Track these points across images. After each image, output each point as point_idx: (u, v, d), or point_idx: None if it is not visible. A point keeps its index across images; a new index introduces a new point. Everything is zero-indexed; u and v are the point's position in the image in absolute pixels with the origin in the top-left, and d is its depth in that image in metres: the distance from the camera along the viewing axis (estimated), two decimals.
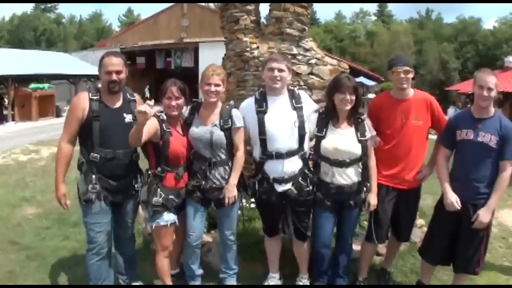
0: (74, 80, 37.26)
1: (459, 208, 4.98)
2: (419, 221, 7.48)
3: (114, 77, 4.87)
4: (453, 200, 5.00)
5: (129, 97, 5.16)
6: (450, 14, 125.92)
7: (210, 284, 5.83)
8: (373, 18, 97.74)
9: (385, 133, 5.30)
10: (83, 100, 4.88)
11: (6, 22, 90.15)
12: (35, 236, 7.75)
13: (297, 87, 5.71)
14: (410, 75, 5.23)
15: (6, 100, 30.29)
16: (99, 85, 5.05)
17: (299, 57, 6.91)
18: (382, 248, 6.23)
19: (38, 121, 29.71)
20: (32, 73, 31.35)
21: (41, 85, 31.64)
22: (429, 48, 66.52)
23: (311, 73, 6.94)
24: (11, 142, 18.88)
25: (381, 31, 76.60)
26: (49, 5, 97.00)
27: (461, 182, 5.08)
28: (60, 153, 4.94)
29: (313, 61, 6.98)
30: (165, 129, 4.94)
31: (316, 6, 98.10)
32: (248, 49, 7.00)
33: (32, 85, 30.88)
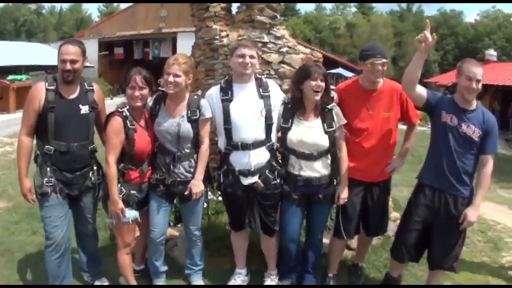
0: (52, 71, 36.77)
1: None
2: (393, 214, 7.38)
3: (68, 66, 4.66)
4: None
5: (87, 87, 4.94)
6: (431, 7, 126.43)
7: (175, 281, 5.68)
8: (354, 9, 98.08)
9: (352, 124, 5.11)
10: (40, 91, 4.69)
11: None
12: (4, 231, 7.56)
13: (265, 75, 5.51)
14: (386, 68, 5.01)
15: None
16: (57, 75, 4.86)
17: (270, 45, 6.70)
18: (354, 242, 6.08)
19: (16, 113, 29.32)
20: (10, 65, 31.06)
21: (18, 77, 31.26)
22: (409, 40, 66.10)
23: (282, 62, 6.73)
24: None
25: (361, 22, 76.30)
26: None
27: (440, 172, 4.90)
28: (21, 147, 4.77)
29: (284, 49, 6.78)
30: (129, 126, 4.72)
31: None
32: (217, 37, 6.79)
33: (10, 77, 30.50)
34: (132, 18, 43.10)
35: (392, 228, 6.78)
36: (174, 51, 39.59)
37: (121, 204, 4.76)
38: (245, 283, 5.59)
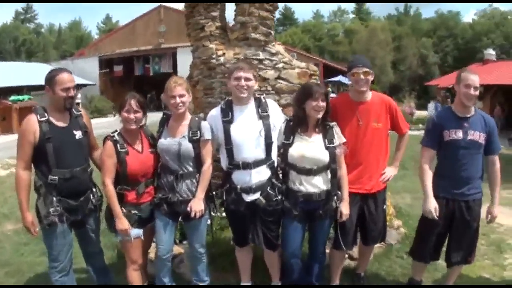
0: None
1: (437, 218, 5.13)
2: (396, 222, 7.45)
3: (71, 93, 4.86)
4: (432, 209, 5.13)
5: (75, 112, 5.11)
6: (428, 9, 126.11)
7: None
8: (351, 16, 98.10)
9: (344, 136, 5.21)
10: (33, 124, 4.79)
11: None
12: (14, 252, 7.77)
13: (264, 93, 5.65)
14: (370, 77, 5.20)
15: None
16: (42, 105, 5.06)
17: (266, 62, 6.84)
18: (356, 252, 6.15)
19: None
20: (11, 85, 31.18)
21: (21, 97, 31.41)
22: (408, 43, 66.25)
23: (278, 77, 6.87)
24: None
25: (359, 28, 75.80)
26: (28, 15, 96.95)
27: (453, 181, 5.22)
28: (20, 182, 4.85)
29: (280, 65, 6.92)
30: (119, 149, 4.92)
31: (294, 6, 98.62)
32: (214, 55, 6.92)
33: (12, 97, 30.65)
34: (131, 34, 43.45)
35: (395, 236, 6.91)
36: (174, 66, 40.06)
37: (126, 221, 4.93)
38: None
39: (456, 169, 5.18)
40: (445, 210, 5.23)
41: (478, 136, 5.08)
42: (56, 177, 4.81)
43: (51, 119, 4.86)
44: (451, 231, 5.36)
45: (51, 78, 4.87)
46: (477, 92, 5.03)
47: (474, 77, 5.03)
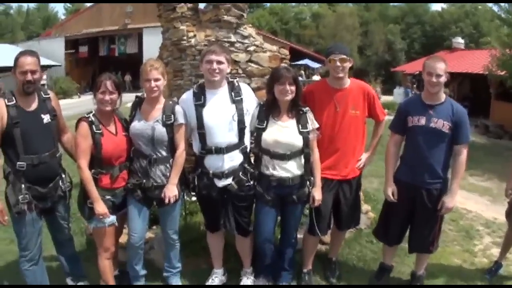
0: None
1: (395, 201, 5.24)
2: (365, 207, 7.44)
3: (29, 77, 4.63)
4: (389, 192, 5.26)
5: (43, 96, 4.94)
6: None
7: (155, 283, 5.70)
8: None
9: (321, 122, 5.19)
10: (1, 108, 4.62)
11: None
12: None
13: (235, 76, 5.56)
14: (347, 64, 5.14)
15: None
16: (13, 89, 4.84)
17: (237, 45, 6.77)
18: (327, 237, 6.12)
19: None
20: None
21: None
22: (375, 29, 65.95)
23: (249, 61, 6.82)
24: None
25: (326, 13, 75.41)
26: None
27: (414, 167, 5.23)
28: None
29: (251, 48, 6.86)
30: (95, 130, 4.77)
31: None
32: (185, 37, 6.79)
33: None
34: (98, 15, 43.16)
35: (364, 221, 6.91)
36: (140, 46, 39.95)
37: (104, 204, 4.81)
38: (222, 283, 5.67)
39: (416, 155, 5.20)
40: (405, 194, 5.26)
41: (441, 124, 5.05)
42: (24, 163, 4.67)
43: (19, 102, 4.69)
44: (413, 218, 5.37)
45: (15, 61, 4.68)
46: (441, 79, 4.98)
47: (437, 64, 5.00)
